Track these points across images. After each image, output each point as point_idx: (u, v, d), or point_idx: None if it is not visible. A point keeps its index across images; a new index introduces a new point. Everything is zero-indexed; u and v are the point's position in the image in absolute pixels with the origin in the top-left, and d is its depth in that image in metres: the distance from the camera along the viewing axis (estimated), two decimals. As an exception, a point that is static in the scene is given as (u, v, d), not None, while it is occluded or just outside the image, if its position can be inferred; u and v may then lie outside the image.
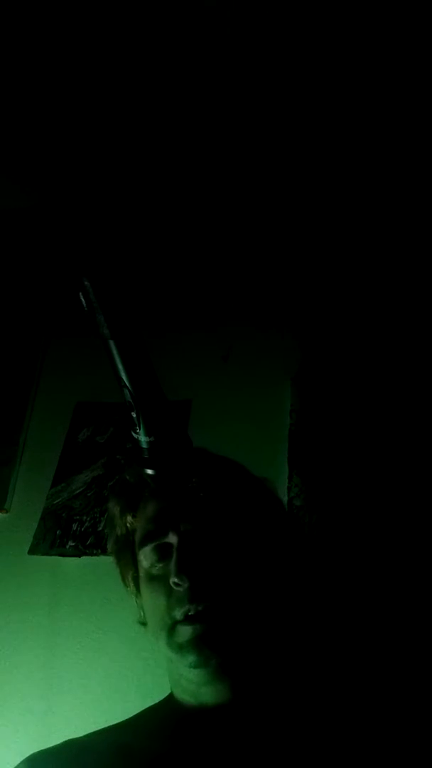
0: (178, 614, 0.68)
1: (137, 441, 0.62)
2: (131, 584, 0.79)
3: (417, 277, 1.22)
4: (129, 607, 1.01)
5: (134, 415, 0.60)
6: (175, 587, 0.69)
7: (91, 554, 1.08)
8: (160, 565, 0.73)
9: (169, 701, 0.77)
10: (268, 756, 0.65)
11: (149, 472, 0.64)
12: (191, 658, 0.67)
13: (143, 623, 0.78)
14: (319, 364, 1.18)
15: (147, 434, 0.61)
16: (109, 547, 0.85)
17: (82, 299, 0.55)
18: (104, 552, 1.07)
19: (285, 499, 1.03)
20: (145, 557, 0.75)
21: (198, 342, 1.30)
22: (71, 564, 1.09)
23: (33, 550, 1.12)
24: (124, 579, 0.81)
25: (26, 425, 1.31)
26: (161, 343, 1.09)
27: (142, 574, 0.76)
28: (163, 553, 0.73)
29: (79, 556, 1.09)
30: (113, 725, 0.77)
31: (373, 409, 1.10)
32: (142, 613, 0.78)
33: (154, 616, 0.72)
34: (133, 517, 0.79)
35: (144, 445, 0.62)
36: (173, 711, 0.74)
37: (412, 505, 0.99)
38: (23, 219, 1.57)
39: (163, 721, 0.75)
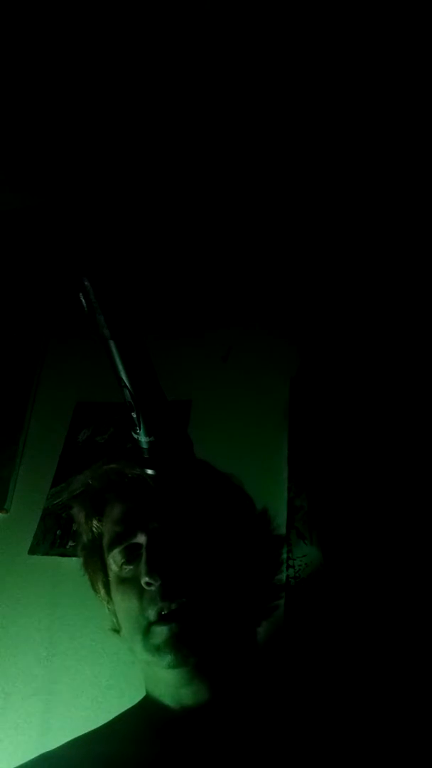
0: (152, 615, 0.67)
1: (137, 441, 0.62)
2: (101, 590, 0.78)
3: (417, 277, 1.22)
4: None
5: (134, 415, 0.60)
6: (146, 587, 0.67)
7: (91, 554, 1.08)
8: (130, 567, 0.72)
9: (145, 705, 0.75)
10: (250, 757, 0.63)
11: (149, 472, 0.65)
12: (168, 658, 0.66)
13: (116, 630, 0.77)
14: (319, 364, 1.18)
15: (147, 434, 0.61)
16: (78, 554, 0.84)
17: (82, 299, 0.55)
18: (104, 552, 1.08)
19: (285, 499, 1.03)
20: (115, 560, 0.74)
21: (198, 342, 1.30)
22: (71, 564, 1.09)
23: (33, 550, 1.12)
24: (94, 586, 0.80)
25: (26, 425, 1.31)
26: (161, 344, 1.09)
27: (112, 578, 0.75)
28: (132, 554, 0.72)
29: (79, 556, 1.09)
30: (88, 733, 0.75)
31: (373, 408, 1.10)
32: (114, 620, 0.77)
33: (128, 620, 0.71)
34: (99, 521, 0.78)
35: (144, 445, 0.62)
36: (151, 715, 0.73)
37: (412, 504, 0.98)
38: (23, 219, 1.57)
39: (141, 725, 0.73)
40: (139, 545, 0.71)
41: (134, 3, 1.15)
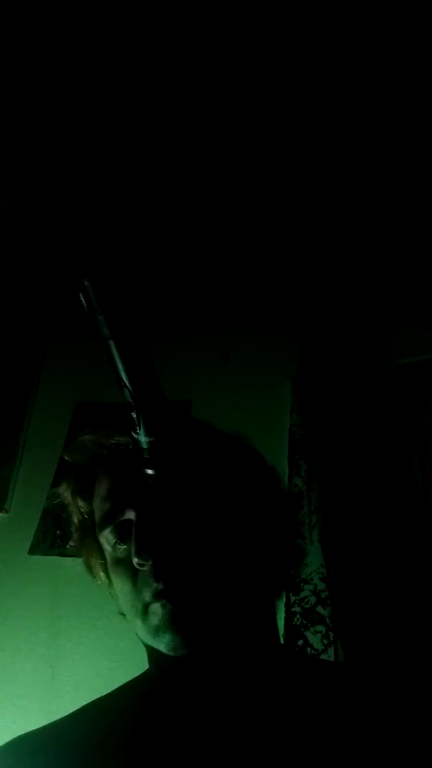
0: (147, 596, 0.63)
1: (137, 441, 0.62)
2: (101, 574, 0.73)
3: (417, 277, 1.22)
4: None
5: (134, 415, 0.60)
6: (138, 567, 0.63)
7: (91, 554, 1.08)
8: (123, 546, 0.67)
9: (147, 677, 0.71)
10: (248, 737, 0.59)
11: (149, 472, 0.64)
12: (167, 638, 0.61)
13: (123, 614, 0.71)
14: (319, 364, 1.18)
15: (147, 434, 0.61)
16: (72, 539, 0.78)
17: (83, 299, 0.55)
18: (104, 552, 1.08)
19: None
20: (107, 541, 0.69)
21: (198, 342, 1.30)
22: (71, 564, 1.09)
23: (33, 550, 1.12)
24: (92, 570, 0.75)
25: (26, 425, 1.31)
26: (161, 343, 1.09)
27: (108, 560, 0.70)
28: (123, 532, 0.67)
29: (79, 556, 1.09)
30: (94, 702, 0.73)
31: (373, 409, 1.10)
32: (119, 603, 0.71)
33: (126, 603, 0.66)
34: (86, 500, 0.73)
35: (144, 445, 0.62)
36: (150, 688, 0.69)
37: (412, 504, 0.98)
38: (23, 219, 1.57)
39: (141, 698, 0.69)
40: (129, 522, 0.67)
41: (134, 3, 1.15)
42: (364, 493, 1.02)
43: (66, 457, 0.77)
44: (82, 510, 0.74)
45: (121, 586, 0.67)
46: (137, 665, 0.97)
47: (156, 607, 0.62)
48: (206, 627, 0.63)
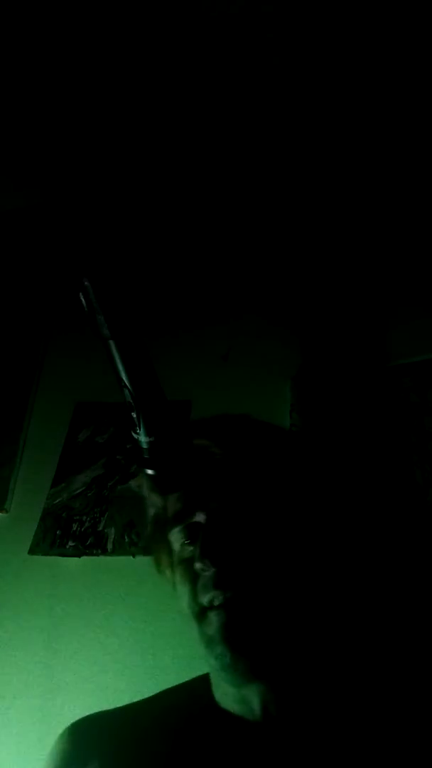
0: (204, 600, 0.62)
1: (137, 441, 0.62)
2: (167, 571, 0.73)
3: (416, 277, 1.22)
4: (129, 607, 1.02)
5: (134, 415, 0.60)
6: (200, 572, 0.63)
7: (91, 554, 1.08)
8: (190, 547, 0.67)
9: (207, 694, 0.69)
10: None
11: (149, 472, 0.64)
12: (218, 650, 0.60)
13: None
14: (319, 364, 1.18)
15: (147, 434, 0.61)
16: (147, 531, 0.78)
17: (82, 299, 0.55)
18: (104, 552, 1.07)
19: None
20: (176, 539, 0.69)
21: (198, 342, 1.30)
22: (71, 564, 1.09)
23: (33, 550, 1.12)
24: (159, 566, 0.74)
25: (26, 425, 1.31)
26: (161, 343, 1.09)
27: (174, 558, 0.70)
28: (192, 534, 0.67)
29: (79, 556, 1.09)
30: (162, 695, 0.73)
31: (373, 409, 1.10)
32: (180, 603, 0.70)
33: (185, 604, 0.66)
34: (161, 496, 0.73)
35: (144, 446, 0.62)
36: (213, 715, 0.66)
37: (412, 504, 0.98)
38: (23, 219, 1.57)
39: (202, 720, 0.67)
40: (199, 524, 0.66)
41: (134, 3, 1.15)
42: (364, 492, 1.02)
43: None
44: (158, 505, 0.73)
45: (181, 585, 0.67)
46: (137, 665, 0.97)
47: (212, 616, 0.62)
48: (268, 652, 0.61)
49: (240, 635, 0.60)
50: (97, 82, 1.28)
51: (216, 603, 0.61)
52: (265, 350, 1.24)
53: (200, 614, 0.63)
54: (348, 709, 0.63)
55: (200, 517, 0.66)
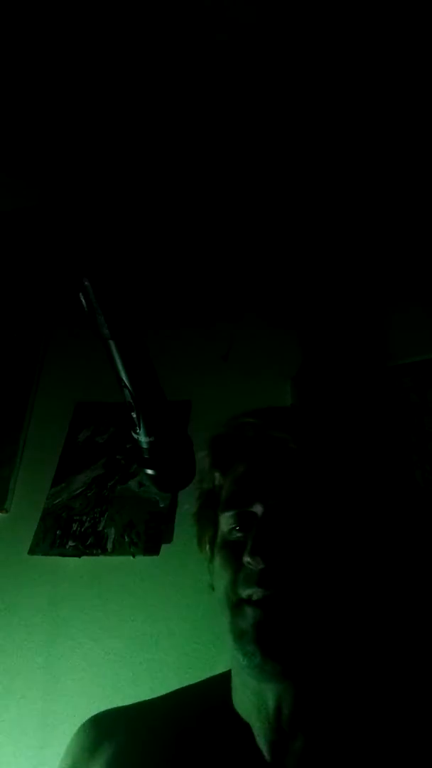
0: (244, 593, 0.62)
1: (137, 441, 0.62)
2: (206, 546, 0.72)
3: (417, 277, 1.22)
4: (129, 607, 1.02)
5: (134, 415, 0.60)
6: (247, 565, 0.62)
7: (91, 554, 1.08)
8: (240, 534, 0.66)
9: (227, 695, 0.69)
10: None
11: (149, 472, 0.64)
12: (250, 648, 0.60)
13: (212, 587, 0.71)
14: (319, 364, 1.18)
15: (147, 434, 0.61)
16: (194, 503, 0.77)
17: (83, 300, 0.55)
18: (104, 552, 1.07)
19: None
20: (226, 522, 0.68)
21: (198, 342, 1.30)
22: (71, 564, 1.09)
23: (33, 550, 1.12)
24: (200, 540, 0.74)
25: (26, 425, 1.31)
26: (161, 343, 1.09)
27: (219, 537, 0.70)
28: (244, 522, 0.66)
29: (79, 556, 1.09)
30: (176, 693, 0.73)
31: (373, 409, 1.10)
32: (211, 579, 0.71)
33: (220, 588, 0.66)
34: (222, 474, 0.72)
35: (144, 445, 0.62)
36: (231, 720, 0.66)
37: (412, 504, 0.98)
38: (23, 219, 1.57)
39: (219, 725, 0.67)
40: (253, 515, 0.66)
41: (135, 3, 1.15)
42: (364, 492, 1.01)
43: (223, 428, 0.76)
44: (216, 482, 0.73)
45: (222, 570, 0.66)
46: (138, 665, 0.97)
47: (249, 610, 0.61)
48: (298, 656, 0.60)
49: (274, 637, 0.59)
50: (97, 82, 1.28)
51: (255, 598, 0.61)
52: (265, 350, 1.24)
53: (236, 605, 0.63)
54: (361, 714, 0.63)
55: (257, 509, 0.65)
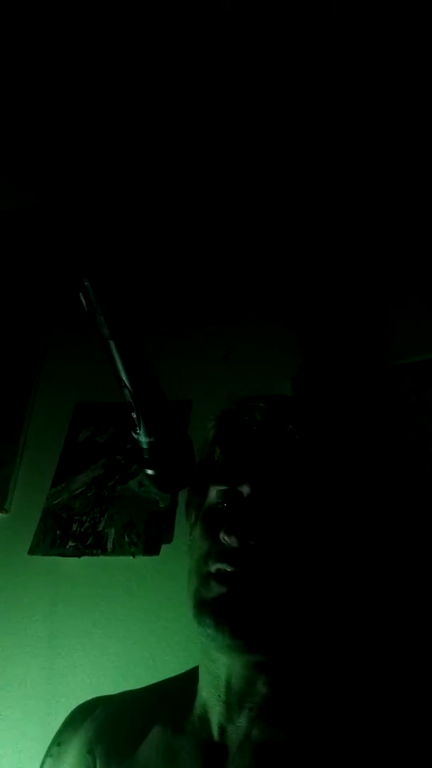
0: (213, 567, 0.64)
1: (137, 441, 0.62)
2: (192, 514, 0.74)
3: (417, 277, 1.22)
4: (129, 607, 1.02)
5: (134, 415, 0.60)
6: (222, 541, 0.64)
7: (91, 554, 1.08)
8: (225, 506, 0.68)
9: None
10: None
11: (149, 472, 0.64)
12: (206, 620, 0.61)
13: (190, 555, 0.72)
14: (319, 364, 1.18)
15: (147, 434, 0.61)
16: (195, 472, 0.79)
17: (83, 299, 0.55)
18: (104, 552, 1.07)
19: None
20: (214, 495, 0.71)
21: (198, 342, 1.30)
22: (71, 564, 1.09)
23: (33, 550, 1.12)
24: (188, 506, 0.76)
25: (26, 425, 1.31)
26: (161, 343, 1.09)
27: (204, 507, 0.72)
28: (230, 499, 0.68)
29: (79, 556, 1.09)
30: (160, 684, 0.76)
31: (373, 409, 1.10)
32: (190, 545, 0.73)
33: (194, 557, 0.68)
34: (222, 450, 0.74)
35: (144, 446, 0.62)
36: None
37: (412, 504, 0.98)
38: (23, 219, 1.57)
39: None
40: (240, 494, 0.67)
41: (135, 3, 1.15)
42: (364, 492, 1.01)
43: (232, 407, 0.78)
44: (215, 456, 0.74)
45: (200, 540, 0.68)
46: (138, 665, 0.97)
47: (214, 584, 0.63)
48: (258, 635, 0.61)
49: (232, 612, 0.61)
50: (97, 82, 1.28)
51: (222, 572, 0.63)
52: (265, 350, 1.24)
53: (205, 576, 0.64)
54: (322, 701, 0.64)
55: (244, 489, 0.67)
